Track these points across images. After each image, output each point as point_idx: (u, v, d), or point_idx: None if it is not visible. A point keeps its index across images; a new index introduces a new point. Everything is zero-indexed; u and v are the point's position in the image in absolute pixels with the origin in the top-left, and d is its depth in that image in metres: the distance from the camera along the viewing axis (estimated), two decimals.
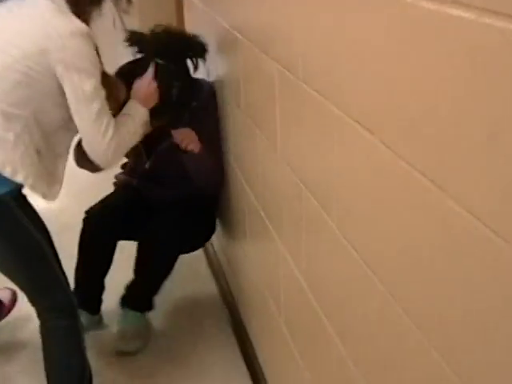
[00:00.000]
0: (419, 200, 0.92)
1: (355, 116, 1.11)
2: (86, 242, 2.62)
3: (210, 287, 3.01)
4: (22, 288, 2.08)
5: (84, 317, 2.41)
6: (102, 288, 2.70)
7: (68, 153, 2.07)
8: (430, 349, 0.94)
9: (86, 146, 2.00)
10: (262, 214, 1.93)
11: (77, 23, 1.89)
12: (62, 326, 2.10)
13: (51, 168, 1.99)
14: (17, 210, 1.93)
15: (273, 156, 1.69)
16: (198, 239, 2.75)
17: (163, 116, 2.37)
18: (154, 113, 2.27)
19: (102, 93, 1.94)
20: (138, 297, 2.63)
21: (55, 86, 1.89)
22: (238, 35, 1.94)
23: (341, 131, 1.18)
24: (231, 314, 2.72)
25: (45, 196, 1.97)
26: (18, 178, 1.88)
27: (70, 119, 1.94)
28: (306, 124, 1.39)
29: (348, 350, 1.31)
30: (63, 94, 1.90)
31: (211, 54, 2.44)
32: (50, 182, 1.99)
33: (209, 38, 2.43)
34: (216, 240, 3.01)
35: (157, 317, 2.70)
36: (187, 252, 2.69)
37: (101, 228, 2.63)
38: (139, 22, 3.38)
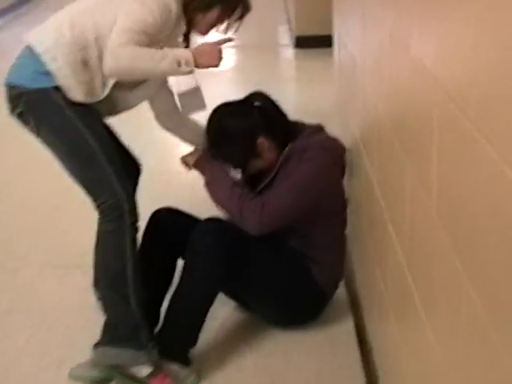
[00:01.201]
0: None
1: None
2: (147, 244, 2.36)
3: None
4: (77, 181, 2.16)
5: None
6: (157, 318, 2.32)
7: (115, 83, 2.11)
8: None
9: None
10: (410, 281, 1.54)
11: None
12: (105, 230, 2.13)
13: (91, 82, 2.07)
14: (61, 101, 2.05)
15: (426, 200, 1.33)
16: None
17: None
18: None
19: (148, 31, 2.01)
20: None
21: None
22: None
23: None
24: None
25: (67, 90, 2.05)
26: (52, 66, 2.02)
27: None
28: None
29: None
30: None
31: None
32: (84, 90, 2.07)
33: None
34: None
35: None
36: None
37: (171, 227, 2.38)
38: None
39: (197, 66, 2.06)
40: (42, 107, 2.09)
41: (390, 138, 1.66)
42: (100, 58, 2.05)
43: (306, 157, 2.20)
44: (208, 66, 2.10)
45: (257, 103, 2.32)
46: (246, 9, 2.26)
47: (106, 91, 2.12)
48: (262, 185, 2.30)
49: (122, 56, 1.98)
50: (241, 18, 2.26)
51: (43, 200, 3.69)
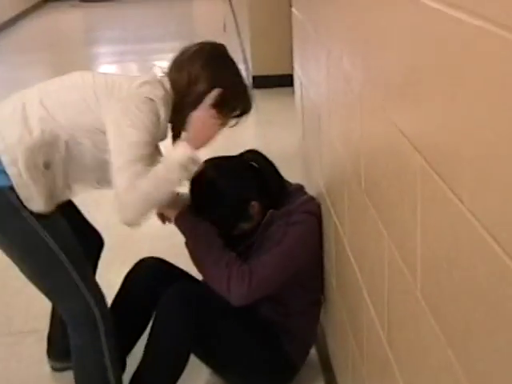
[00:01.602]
0: None
1: None
2: (125, 291, 2.28)
3: None
4: (37, 288, 2.01)
5: None
6: (123, 366, 2.24)
7: (76, 193, 2.00)
8: None
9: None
10: (389, 354, 1.42)
11: (155, 92, 1.91)
12: (79, 345, 2.00)
13: (52, 187, 1.90)
14: (16, 202, 1.85)
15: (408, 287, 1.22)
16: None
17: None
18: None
19: (144, 152, 1.86)
20: None
21: (101, 122, 1.88)
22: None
23: None
24: None
25: (26, 201, 1.85)
26: (10, 170, 1.82)
27: (99, 165, 1.91)
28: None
29: None
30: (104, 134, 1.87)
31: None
32: (46, 198, 1.88)
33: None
34: None
35: None
36: None
37: (153, 277, 2.26)
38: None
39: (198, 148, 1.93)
40: None
41: (363, 202, 1.56)
42: (65, 160, 1.89)
43: (292, 220, 2.10)
44: (207, 143, 1.98)
45: (253, 163, 2.21)
46: (247, 109, 2.10)
47: (71, 195, 2.00)
48: (241, 247, 2.16)
49: (134, 204, 1.82)
50: (239, 116, 2.10)
51: None
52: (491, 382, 0.87)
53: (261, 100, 6.44)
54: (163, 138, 2.03)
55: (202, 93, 1.98)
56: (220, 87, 1.98)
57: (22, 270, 1.98)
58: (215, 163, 2.18)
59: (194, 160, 1.89)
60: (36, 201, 1.86)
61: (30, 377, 2.48)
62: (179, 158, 1.88)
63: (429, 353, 1.13)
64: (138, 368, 2.13)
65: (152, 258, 2.37)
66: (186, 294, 2.13)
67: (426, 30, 1.02)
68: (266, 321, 2.21)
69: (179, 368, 2.11)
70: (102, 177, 1.97)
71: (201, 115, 1.97)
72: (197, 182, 2.10)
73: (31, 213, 1.87)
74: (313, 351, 2.47)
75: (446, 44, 0.93)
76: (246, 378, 2.27)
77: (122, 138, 1.85)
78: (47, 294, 2.00)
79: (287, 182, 2.30)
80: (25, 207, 1.86)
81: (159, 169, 1.86)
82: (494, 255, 0.81)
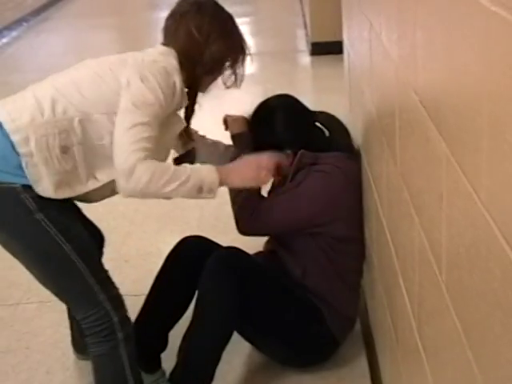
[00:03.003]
0: None
1: None
2: (169, 267, 2.26)
3: None
4: (53, 293, 1.90)
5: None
6: (164, 343, 2.26)
7: (103, 185, 1.84)
8: None
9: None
10: (419, 342, 1.40)
11: (169, 60, 1.86)
12: (98, 355, 1.89)
13: (71, 174, 1.79)
14: (30, 203, 1.73)
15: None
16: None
17: None
18: None
19: (155, 121, 1.77)
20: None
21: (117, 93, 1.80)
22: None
23: None
24: None
25: (34, 183, 1.74)
26: (22, 149, 1.72)
27: None
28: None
29: None
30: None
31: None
32: (57, 183, 1.76)
33: None
34: None
35: None
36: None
37: (196, 255, 2.22)
38: None
39: (227, 185, 1.89)
40: (5, 207, 1.77)
41: (398, 184, 1.50)
42: (84, 144, 1.78)
43: (315, 168, 2.13)
44: (244, 185, 1.94)
45: (318, 123, 2.27)
46: (245, 52, 2.08)
47: (97, 184, 1.84)
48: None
49: (138, 178, 1.70)
50: (243, 62, 2.08)
51: None
52: None
53: (319, 67, 6.34)
54: (182, 105, 1.97)
55: (215, 53, 1.95)
56: (231, 42, 1.99)
57: (36, 276, 1.87)
58: (288, 98, 2.30)
59: (211, 190, 1.80)
60: (45, 183, 1.74)
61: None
62: (202, 175, 1.79)
63: (452, 349, 1.08)
64: (186, 338, 2.11)
65: (194, 236, 2.35)
66: (229, 258, 2.12)
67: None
68: (307, 292, 2.19)
69: (226, 336, 2.09)
70: None
71: (260, 160, 1.93)
72: (264, 106, 2.26)
73: (46, 214, 1.76)
74: (358, 327, 2.44)
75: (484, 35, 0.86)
76: (287, 351, 2.25)
77: (137, 97, 1.77)
78: (63, 300, 1.92)
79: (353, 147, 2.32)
80: (39, 210, 1.75)
81: (175, 169, 1.77)
82: (509, 262, 0.75)
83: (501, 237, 0.78)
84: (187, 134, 2.12)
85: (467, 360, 0.96)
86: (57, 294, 1.89)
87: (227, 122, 2.32)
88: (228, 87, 2.10)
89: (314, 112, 2.31)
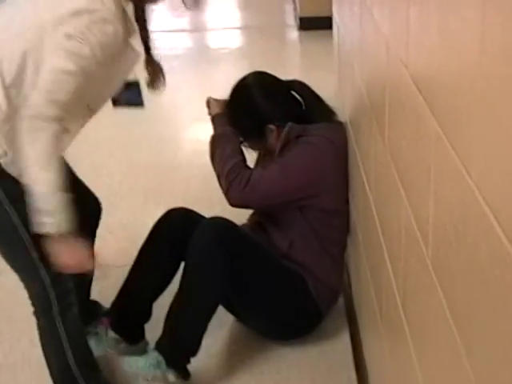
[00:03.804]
0: None
1: None
2: (154, 238, 2.28)
3: None
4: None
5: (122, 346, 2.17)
6: (148, 314, 2.27)
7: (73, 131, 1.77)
8: None
9: None
10: (403, 318, 1.40)
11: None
12: (40, 326, 1.92)
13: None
14: None
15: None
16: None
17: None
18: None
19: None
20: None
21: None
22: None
23: None
24: None
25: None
26: None
27: None
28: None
29: None
30: None
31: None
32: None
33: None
34: None
35: None
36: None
37: (182, 226, 2.24)
38: None
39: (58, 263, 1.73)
40: None
41: (386, 160, 1.50)
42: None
43: (303, 140, 2.15)
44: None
45: (294, 92, 2.31)
46: None
47: (69, 136, 1.76)
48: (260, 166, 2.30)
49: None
50: None
51: None
52: (491, 364, 0.83)
53: (307, 42, 6.31)
54: (131, 33, 1.81)
55: None
56: None
57: None
58: (259, 74, 2.33)
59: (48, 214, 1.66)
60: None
61: None
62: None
63: (437, 326, 1.09)
64: (173, 308, 2.12)
65: (180, 208, 2.36)
66: (217, 230, 2.12)
67: None
68: (293, 261, 2.21)
69: (213, 306, 2.10)
70: (89, 97, 1.79)
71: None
72: (239, 85, 2.29)
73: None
74: (340, 302, 2.46)
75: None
76: (272, 322, 2.28)
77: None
78: (16, 272, 1.88)
79: (331, 110, 2.34)
80: None
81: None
82: (497, 239, 0.76)
83: (490, 214, 0.78)
84: (150, 64, 1.94)
85: (452, 336, 0.97)
86: (12, 268, 1.87)
87: (209, 104, 2.36)
88: (188, 8, 1.90)
89: (287, 82, 2.34)
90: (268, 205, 2.23)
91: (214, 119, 2.32)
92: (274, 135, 2.21)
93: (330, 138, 2.17)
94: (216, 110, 2.32)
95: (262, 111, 2.23)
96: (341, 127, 2.27)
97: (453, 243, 0.95)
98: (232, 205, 2.18)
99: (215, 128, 2.30)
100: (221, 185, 2.19)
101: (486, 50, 0.77)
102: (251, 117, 2.26)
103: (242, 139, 2.28)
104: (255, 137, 2.28)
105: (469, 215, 0.87)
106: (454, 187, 0.93)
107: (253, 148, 2.37)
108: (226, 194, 2.16)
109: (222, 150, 2.22)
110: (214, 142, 2.27)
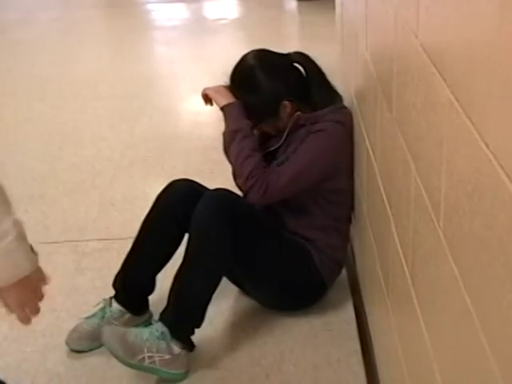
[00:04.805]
0: None
1: None
2: (157, 210, 2.25)
3: None
4: None
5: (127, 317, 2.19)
6: (152, 286, 2.29)
7: None
8: None
9: None
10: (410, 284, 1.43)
11: None
12: None
13: None
14: None
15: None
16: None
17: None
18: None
19: None
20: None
21: None
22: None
23: None
24: None
25: None
26: None
27: None
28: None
29: None
30: None
31: None
32: None
33: None
34: None
35: None
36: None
37: (185, 198, 2.22)
38: None
39: None
40: None
41: (393, 131, 1.49)
42: None
43: (316, 128, 2.13)
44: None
45: (297, 64, 2.26)
46: None
47: None
48: (269, 149, 2.25)
49: None
50: None
51: None
52: (509, 335, 0.83)
53: (306, 13, 6.25)
54: None
55: None
56: None
57: None
58: (258, 53, 2.26)
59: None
60: None
61: (63, 286, 2.54)
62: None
63: (448, 295, 1.09)
64: (177, 279, 2.10)
65: (183, 179, 2.34)
66: (220, 198, 2.12)
67: None
68: (297, 233, 2.22)
69: (217, 277, 2.11)
70: None
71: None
72: (239, 67, 2.23)
73: None
74: (344, 274, 2.47)
75: None
76: (276, 293, 2.28)
77: None
78: None
79: (335, 90, 2.31)
80: None
81: None
82: None
83: (508, 182, 0.77)
84: None
85: (465, 306, 0.97)
86: None
87: (208, 95, 2.28)
88: None
89: (288, 54, 2.30)
90: (289, 196, 2.22)
91: (224, 110, 2.23)
92: (287, 111, 2.19)
93: (341, 121, 2.17)
94: (221, 100, 2.24)
95: (271, 91, 2.19)
96: (347, 110, 2.25)
97: (467, 213, 0.95)
98: (256, 203, 2.17)
99: (228, 121, 2.23)
100: (237, 183, 2.20)
101: (507, 16, 0.75)
102: (263, 99, 2.20)
103: (256, 124, 2.24)
104: (271, 117, 2.24)
105: (485, 184, 0.86)
106: (468, 156, 0.92)
107: (265, 130, 2.31)
108: (245, 196, 2.17)
109: (239, 149, 2.17)
110: (230, 137, 2.21)
